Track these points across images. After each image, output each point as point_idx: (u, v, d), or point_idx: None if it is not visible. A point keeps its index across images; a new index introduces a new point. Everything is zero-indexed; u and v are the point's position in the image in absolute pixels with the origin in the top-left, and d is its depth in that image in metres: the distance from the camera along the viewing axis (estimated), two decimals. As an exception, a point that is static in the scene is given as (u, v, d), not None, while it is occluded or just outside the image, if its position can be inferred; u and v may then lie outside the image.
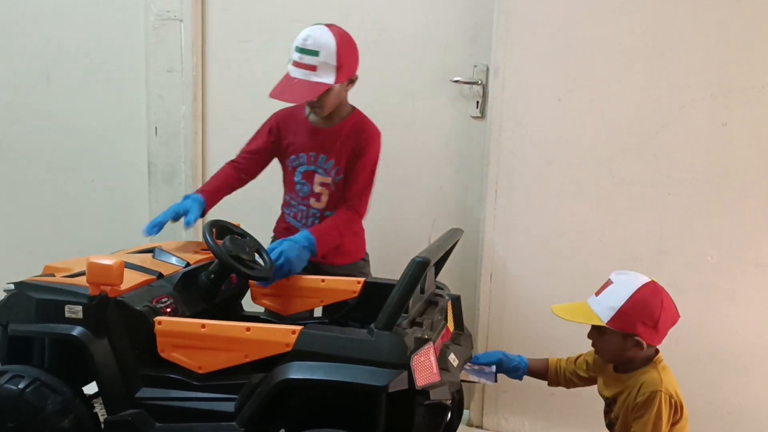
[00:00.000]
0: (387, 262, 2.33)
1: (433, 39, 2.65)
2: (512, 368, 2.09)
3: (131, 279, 1.85)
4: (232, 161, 2.39)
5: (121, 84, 2.91)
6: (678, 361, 2.44)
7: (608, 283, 1.86)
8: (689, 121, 2.36)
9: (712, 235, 2.39)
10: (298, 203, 2.36)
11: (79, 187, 3.02)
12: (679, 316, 1.87)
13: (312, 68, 2.14)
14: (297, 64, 2.16)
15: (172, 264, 2.05)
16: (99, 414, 1.88)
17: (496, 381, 2.10)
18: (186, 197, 2.26)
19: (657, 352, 1.88)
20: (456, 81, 2.63)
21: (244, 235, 2.10)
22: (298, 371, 1.62)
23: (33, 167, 3.06)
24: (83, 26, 2.91)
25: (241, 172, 2.37)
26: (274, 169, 2.42)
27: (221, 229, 2.08)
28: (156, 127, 2.86)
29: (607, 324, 1.80)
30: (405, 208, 2.74)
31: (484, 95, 2.60)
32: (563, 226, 2.51)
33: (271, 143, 2.36)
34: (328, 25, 2.18)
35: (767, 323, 2.39)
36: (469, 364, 2.05)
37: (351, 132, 2.30)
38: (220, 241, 1.99)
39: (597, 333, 1.87)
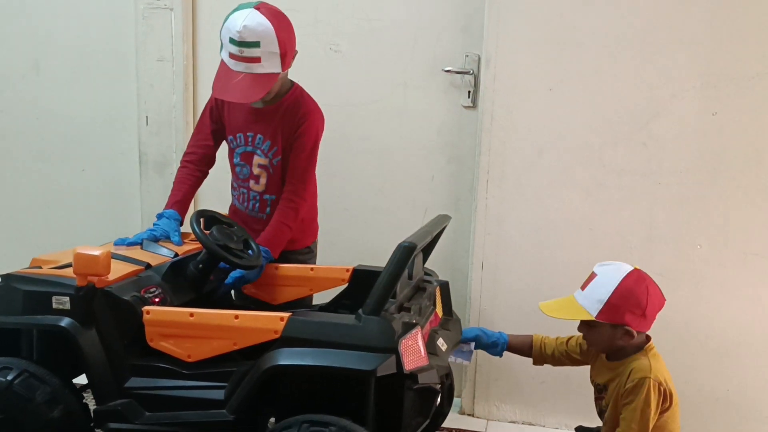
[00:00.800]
0: (378, 252, 2.32)
1: (425, 28, 2.64)
2: (491, 344, 2.09)
3: (119, 270, 1.85)
4: (186, 159, 2.29)
5: (112, 73, 2.89)
6: (668, 348, 2.46)
7: (592, 276, 1.87)
8: (679, 110, 2.37)
9: (702, 224, 2.41)
10: (239, 185, 2.30)
11: (70, 178, 3.01)
12: (665, 300, 1.88)
13: (255, 60, 1.99)
14: (236, 57, 2.00)
15: (161, 254, 2.05)
16: (89, 404, 1.89)
17: (469, 361, 2.12)
18: (159, 216, 2.19)
19: (648, 339, 1.90)
20: (447, 71, 2.62)
21: (231, 224, 2.08)
22: (286, 357, 1.63)
23: (23, 157, 3.04)
24: (72, 15, 2.88)
25: (198, 165, 2.28)
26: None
27: (209, 218, 2.06)
28: (147, 117, 2.85)
29: (595, 317, 1.82)
30: (396, 198, 2.73)
31: (476, 85, 2.59)
32: (554, 216, 2.51)
33: (215, 124, 2.27)
34: (258, 7, 2.01)
35: (755, 311, 2.41)
36: None
37: (288, 110, 2.19)
38: (207, 231, 1.98)
39: (587, 326, 1.89)
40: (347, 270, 2.17)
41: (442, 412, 2.22)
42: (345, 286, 2.18)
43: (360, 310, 1.65)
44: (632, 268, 1.85)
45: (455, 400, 2.66)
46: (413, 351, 1.63)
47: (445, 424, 2.46)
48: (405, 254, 1.63)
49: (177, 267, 2.00)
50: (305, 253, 2.38)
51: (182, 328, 1.73)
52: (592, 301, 1.82)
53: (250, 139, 2.22)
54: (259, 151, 2.21)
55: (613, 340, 1.85)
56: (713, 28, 2.31)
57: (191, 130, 2.85)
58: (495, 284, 2.59)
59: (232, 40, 2.00)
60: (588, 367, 2.04)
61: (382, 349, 1.59)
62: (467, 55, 2.60)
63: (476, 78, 2.59)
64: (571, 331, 2.03)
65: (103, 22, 2.86)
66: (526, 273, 2.56)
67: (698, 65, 2.34)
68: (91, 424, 1.85)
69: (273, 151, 2.21)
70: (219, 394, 1.74)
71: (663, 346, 2.46)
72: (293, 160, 2.19)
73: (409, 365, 1.61)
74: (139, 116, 2.85)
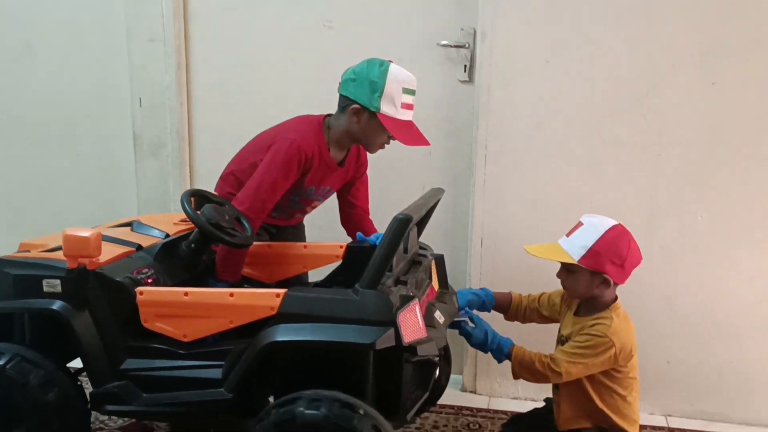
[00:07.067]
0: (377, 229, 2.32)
1: (418, 2, 2.60)
2: (481, 304, 2.14)
3: (110, 251, 1.83)
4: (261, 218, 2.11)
5: (103, 54, 2.86)
6: (670, 321, 2.47)
7: (578, 225, 1.93)
8: (679, 81, 2.34)
9: (703, 195, 2.39)
10: (279, 211, 2.22)
11: (65, 161, 3.00)
12: (641, 258, 1.91)
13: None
14: (408, 106, 2.11)
15: (152, 236, 2.03)
16: (84, 387, 1.88)
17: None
18: None
19: (616, 298, 1.94)
20: (443, 45, 2.58)
21: (222, 203, 2.05)
22: (284, 333, 1.62)
23: (16, 140, 3.02)
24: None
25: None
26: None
27: (200, 198, 2.03)
28: (140, 98, 2.82)
29: (578, 262, 1.87)
30: (394, 175, 2.70)
31: (472, 59, 2.55)
32: (553, 190, 2.49)
33: (294, 180, 2.13)
34: (390, 62, 2.12)
35: (758, 283, 2.40)
36: None
37: (353, 163, 2.28)
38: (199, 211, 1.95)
39: (566, 271, 1.94)
40: (341, 246, 2.16)
41: (440, 385, 2.21)
42: (339, 262, 2.16)
43: (357, 284, 1.64)
44: (616, 223, 1.90)
45: (457, 377, 2.66)
46: (411, 323, 1.63)
47: (447, 401, 2.45)
48: (401, 226, 1.61)
49: (169, 247, 1.99)
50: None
51: (177, 307, 1.72)
52: (576, 247, 1.88)
53: (321, 191, 2.24)
54: (321, 198, 2.27)
55: (590, 288, 1.90)
56: (712, -5, 2.28)
57: (185, 111, 2.83)
58: (495, 261, 2.57)
59: (408, 90, 2.09)
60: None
61: (381, 322, 1.58)
62: (462, 29, 2.56)
63: (472, 51, 2.55)
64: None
65: (93, 1, 2.83)
66: (526, 248, 2.54)
67: (697, 35, 2.30)
68: (88, 407, 1.84)
69: (331, 193, 2.29)
70: (216, 373, 1.73)
71: (665, 319, 2.47)
72: (363, 193, 2.35)
73: (407, 337, 1.60)
74: (133, 98, 2.83)
